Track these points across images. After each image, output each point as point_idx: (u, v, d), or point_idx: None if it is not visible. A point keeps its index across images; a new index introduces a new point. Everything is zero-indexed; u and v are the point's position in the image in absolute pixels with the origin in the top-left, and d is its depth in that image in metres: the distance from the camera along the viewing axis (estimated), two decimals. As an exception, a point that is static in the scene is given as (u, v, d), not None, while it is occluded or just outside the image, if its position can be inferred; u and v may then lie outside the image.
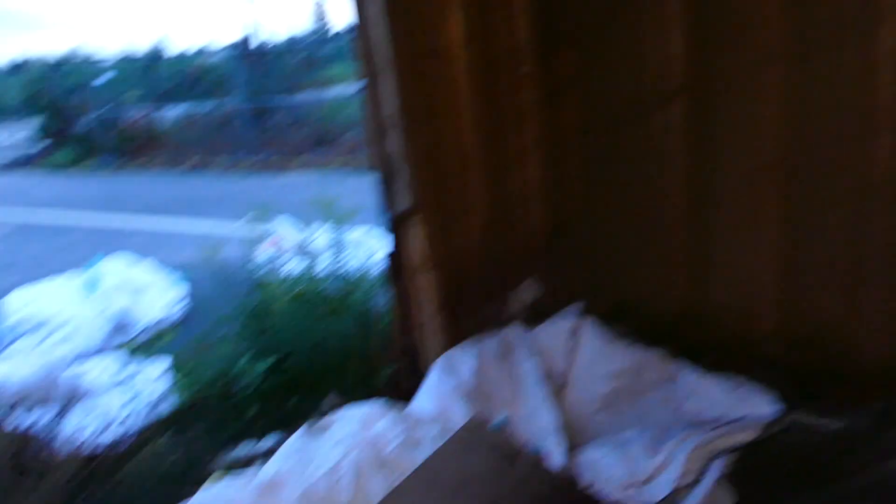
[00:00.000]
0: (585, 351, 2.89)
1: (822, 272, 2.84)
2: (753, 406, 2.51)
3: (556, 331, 2.96)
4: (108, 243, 7.33)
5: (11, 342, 4.92)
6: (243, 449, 3.37)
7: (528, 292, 3.38)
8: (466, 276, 3.19)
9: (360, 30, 2.81)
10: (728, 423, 2.46)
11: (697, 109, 3.06)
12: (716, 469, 2.37)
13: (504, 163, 3.22)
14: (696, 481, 2.38)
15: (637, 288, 3.49)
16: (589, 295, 3.38)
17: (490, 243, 3.20)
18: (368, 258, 3.96)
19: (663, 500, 2.34)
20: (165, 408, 3.62)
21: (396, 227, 3.00)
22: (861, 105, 2.60)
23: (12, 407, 3.27)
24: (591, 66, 3.44)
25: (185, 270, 5.03)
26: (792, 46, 2.71)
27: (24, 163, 15.14)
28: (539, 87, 3.28)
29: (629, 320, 3.24)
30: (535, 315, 3.37)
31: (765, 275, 3.04)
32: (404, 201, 2.93)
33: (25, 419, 3.22)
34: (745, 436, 2.36)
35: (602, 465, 2.49)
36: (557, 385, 2.87)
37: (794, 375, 2.77)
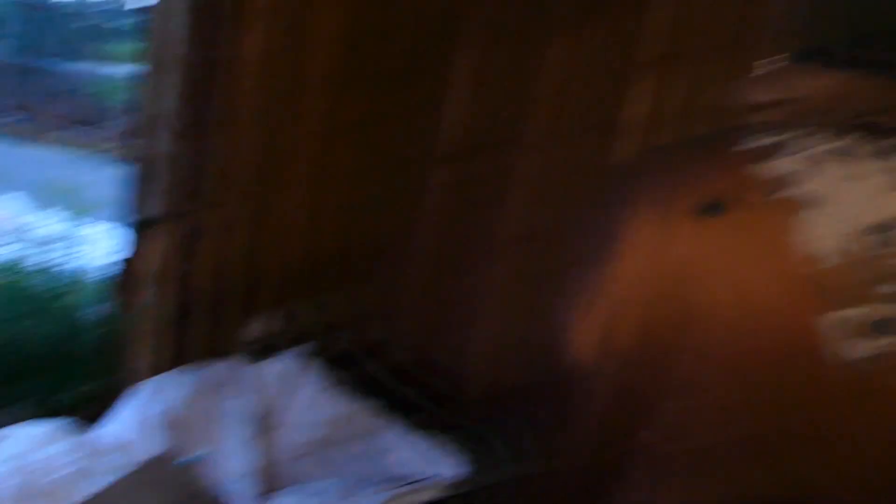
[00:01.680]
0: (304, 394, 2.87)
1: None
2: (444, 466, 2.63)
3: (278, 370, 2.91)
4: None
5: None
6: None
7: (264, 324, 3.30)
8: (204, 295, 3.03)
9: (157, 14, 2.61)
10: (418, 480, 2.56)
11: (470, 176, 3.21)
12: (400, 527, 2.45)
13: (273, 189, 3.11)
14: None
15: (377, 333, 3.54)
16: (325, 334, 3.37)
17: (237, 266, 3.07)
18: (98, 260, 3.64)
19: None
20: None
21: (140, 231, 2.79)
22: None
23: None
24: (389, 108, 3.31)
25: None
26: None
27: None
28: (335, 120, 3.17)
29: (360, 366, 3.27)
30: (267, 349, 3.29)
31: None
32: (156, 206, 2.73)
33: None
34: (428, 494, 2.46)
35: (293, 513, 2.47)
36: (269, 427, 2.81)
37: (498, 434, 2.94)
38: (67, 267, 3.55)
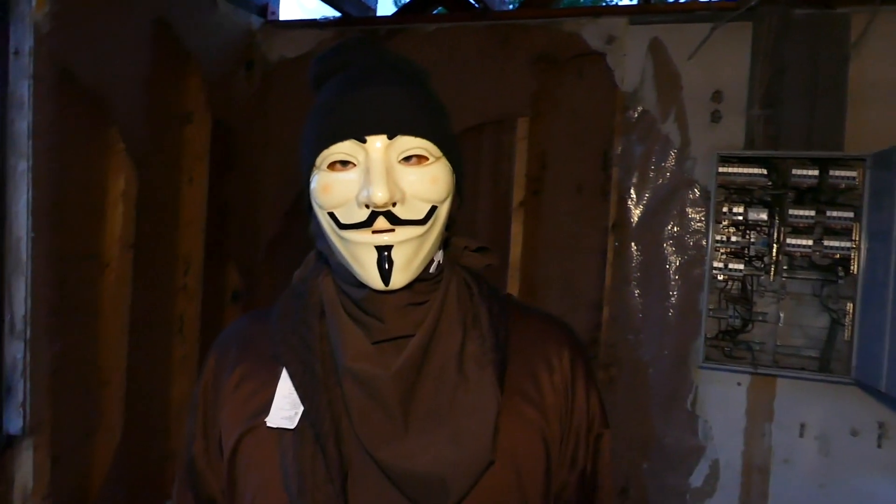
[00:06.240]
0: None
1: None
2: None
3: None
4: None
5: None
6: None
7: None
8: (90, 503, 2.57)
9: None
10: None
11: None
12: None
13: (153, 377, 2.80)
14: None
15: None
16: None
17: (121, 465, 2.64)
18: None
19: None
20: None
21: (3, 451, 2.28)
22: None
23: None
24: (256, 283, 3.29)
25: None
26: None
27: None
28: (202, 299, 3.00)
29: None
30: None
31: None
32: (17, 422, 2.27)
33: None
34: None
35: None
36: None
37: None
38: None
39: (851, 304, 2.66)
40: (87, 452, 2.52)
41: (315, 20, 3.41)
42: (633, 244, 2.99)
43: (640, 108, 2.97)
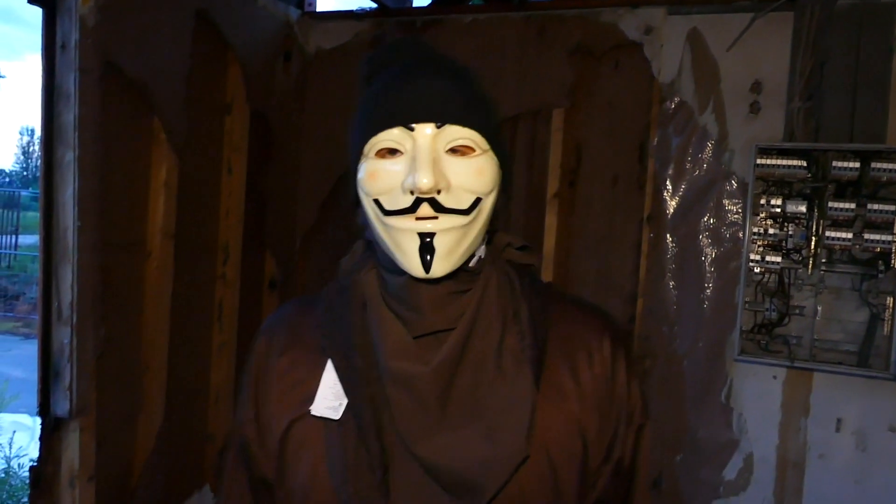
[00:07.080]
0: None
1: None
2: None
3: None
4: None
5: None
6: None
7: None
8: (131, 486, 2.64)
9: (46, 210, 2.29)
10: None
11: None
12: None
13: (193, 363, 2.86)
14: None
15: None
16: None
17: (162, 450, 2.71)
18: (16, 457, 3.22)
19: None
20: None
21: (51, 433, 2.38)
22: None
23: None
24: (292, 272, 3.35)
25: None
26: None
27: None
28: (240, 288, 3.05)
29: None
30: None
31: None
32: (64, 405, 2.34)
33: None
34: None
35: None
36: None
37: None
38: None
39: (892, 299, 2.62)
40: (130, 435, 2.59)
41: (352, 11, 3.43)
42: (668, 236, 2.97)
43: (677, 100, 2.94)
